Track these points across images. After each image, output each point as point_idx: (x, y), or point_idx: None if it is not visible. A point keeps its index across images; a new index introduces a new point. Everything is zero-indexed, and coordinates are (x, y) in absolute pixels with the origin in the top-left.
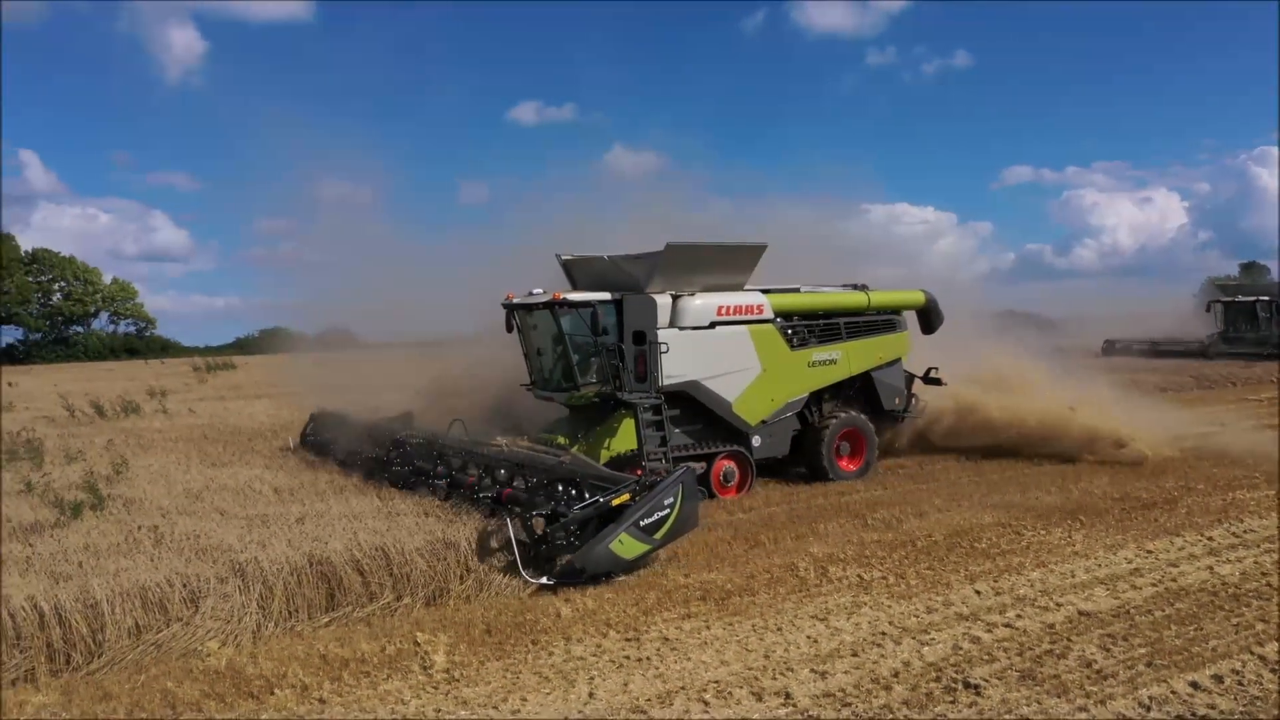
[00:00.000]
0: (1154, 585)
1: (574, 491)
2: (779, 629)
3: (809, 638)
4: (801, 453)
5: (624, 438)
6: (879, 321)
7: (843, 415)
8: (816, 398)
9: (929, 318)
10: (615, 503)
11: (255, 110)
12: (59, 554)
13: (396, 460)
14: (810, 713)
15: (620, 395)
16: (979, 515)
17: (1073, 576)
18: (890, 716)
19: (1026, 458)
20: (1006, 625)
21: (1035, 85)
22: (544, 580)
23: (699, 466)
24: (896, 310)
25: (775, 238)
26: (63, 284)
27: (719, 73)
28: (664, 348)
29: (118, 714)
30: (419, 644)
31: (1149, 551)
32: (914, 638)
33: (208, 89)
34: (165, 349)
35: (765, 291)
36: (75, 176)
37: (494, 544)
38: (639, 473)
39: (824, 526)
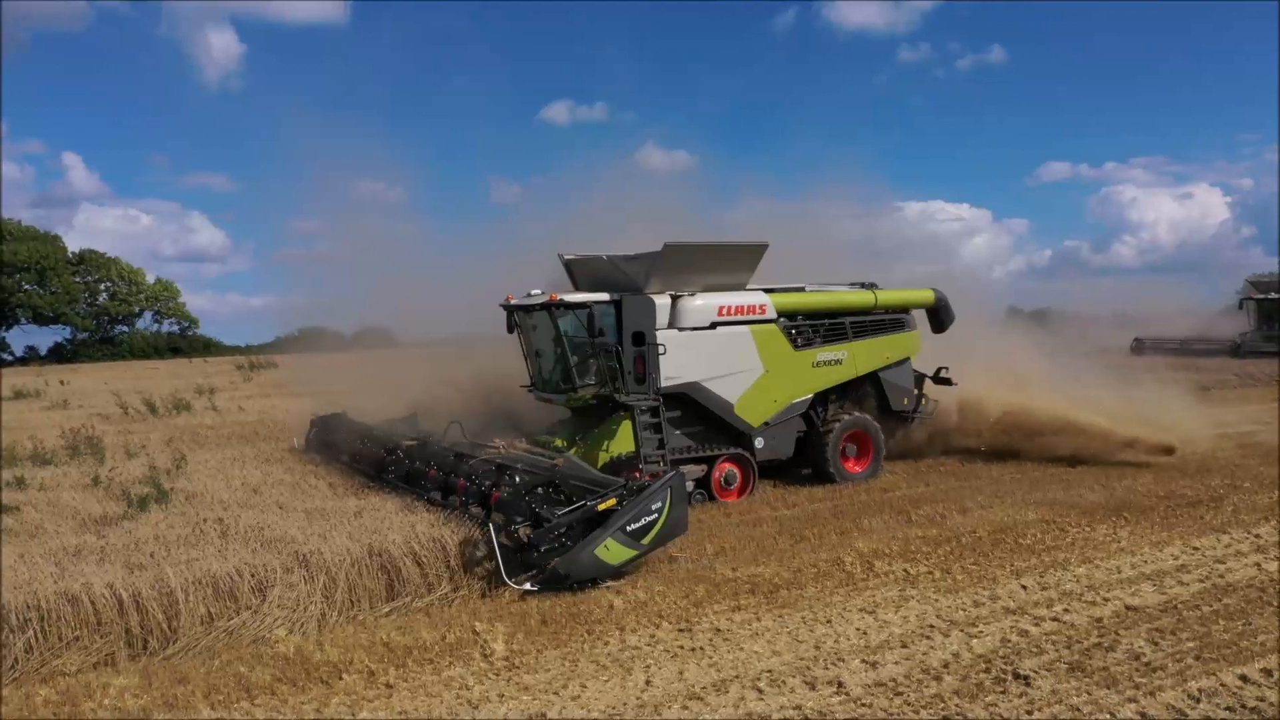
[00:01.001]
0: (1201, 581)
1: (563, 496)
2: (828, 621)
3: (858, 630)
4: (806, 454)
5: (622, 440)
6: (886, 321)
7: (848, 416)
8: (822, 399)
9: (939, 317)
10: (601, 508)
11: (289, 112)
12: (131, 545)
13: (392, 463)
14: (863, 701)
15: (618, 397)
16: (1022, 512)
17: (1119, 572)
18: (942, 706)
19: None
20: (1054, 619)
21: (1072, 80)
22: (527, 586)
23: (699, 469)
24: (905, 309)
25: (807, 235)
26: (108, 284)
27: (750, 71)
28: (662, 349)
29: (195, 697)
30: (477, 633)
31: (1195, 548)
32: (962, 630)
33: (245, 91)
34: (208, 348)
35: (768, 291)
36: (116, 178)
37: (480, 549)
38: (635, 475)
39: (868, 522)
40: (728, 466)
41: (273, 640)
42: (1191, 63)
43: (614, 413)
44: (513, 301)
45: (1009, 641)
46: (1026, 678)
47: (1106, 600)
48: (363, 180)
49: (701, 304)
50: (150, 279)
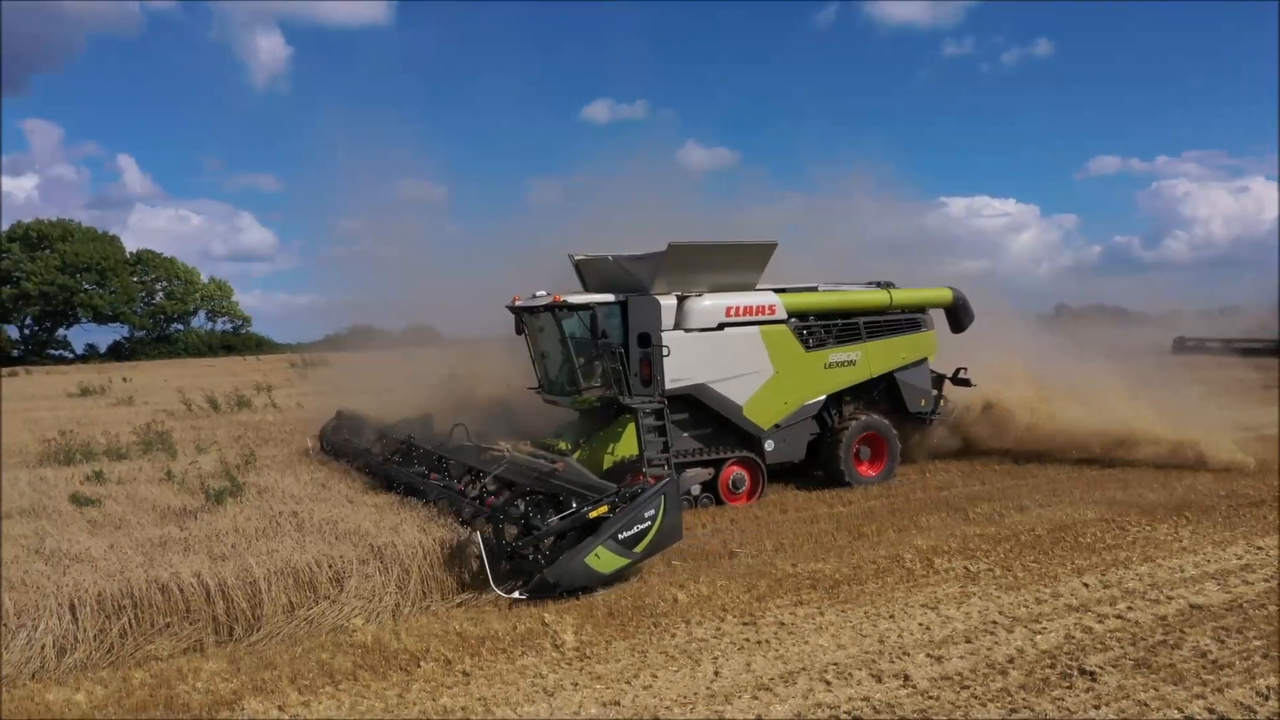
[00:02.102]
0: (1266, 581)
1: (560, 500)
2: (891, 616)
3: (921, 625)
4: (818, 457)
5: (628, 443)
6: (902, 321)
7: (862, 418)
8: (836, 400)
9: (958, 316)
10: (593, 515)
11: (334, 112)
12: (212, 536)
13: (398, 465)
14: (930, 694)
15: (621, 399)
16: (1081, 511)
17: (1181, 571)
18: (1009, 699)
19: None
20: (1118, 616)
21: (1121, 73)
22: (515, 595)
23: (706, 472)
24: (922, 309)
25: (847, 233)
26: (164, 283)
27: (790, 68)
28: (665, 350)
29: (280, 681)
30: (546, 624)
31: (1259, 548)
32: (1025, 627)
33: (291, 92)
34: (260, 346)
35: (779, 291)
36: (168, 179)
37: (472, 554)
38: (639, 479)
39: (925, 520)
40: (736, 469)
41: (350, 629)
42: (1246, 52)
43: (619, 415)
44: (518, 303)
45: (1073, 638)
46: (1092, 673)
47: (1170, 599)
48: (406, 179)
49: (708, 305)
50: (204, 278)
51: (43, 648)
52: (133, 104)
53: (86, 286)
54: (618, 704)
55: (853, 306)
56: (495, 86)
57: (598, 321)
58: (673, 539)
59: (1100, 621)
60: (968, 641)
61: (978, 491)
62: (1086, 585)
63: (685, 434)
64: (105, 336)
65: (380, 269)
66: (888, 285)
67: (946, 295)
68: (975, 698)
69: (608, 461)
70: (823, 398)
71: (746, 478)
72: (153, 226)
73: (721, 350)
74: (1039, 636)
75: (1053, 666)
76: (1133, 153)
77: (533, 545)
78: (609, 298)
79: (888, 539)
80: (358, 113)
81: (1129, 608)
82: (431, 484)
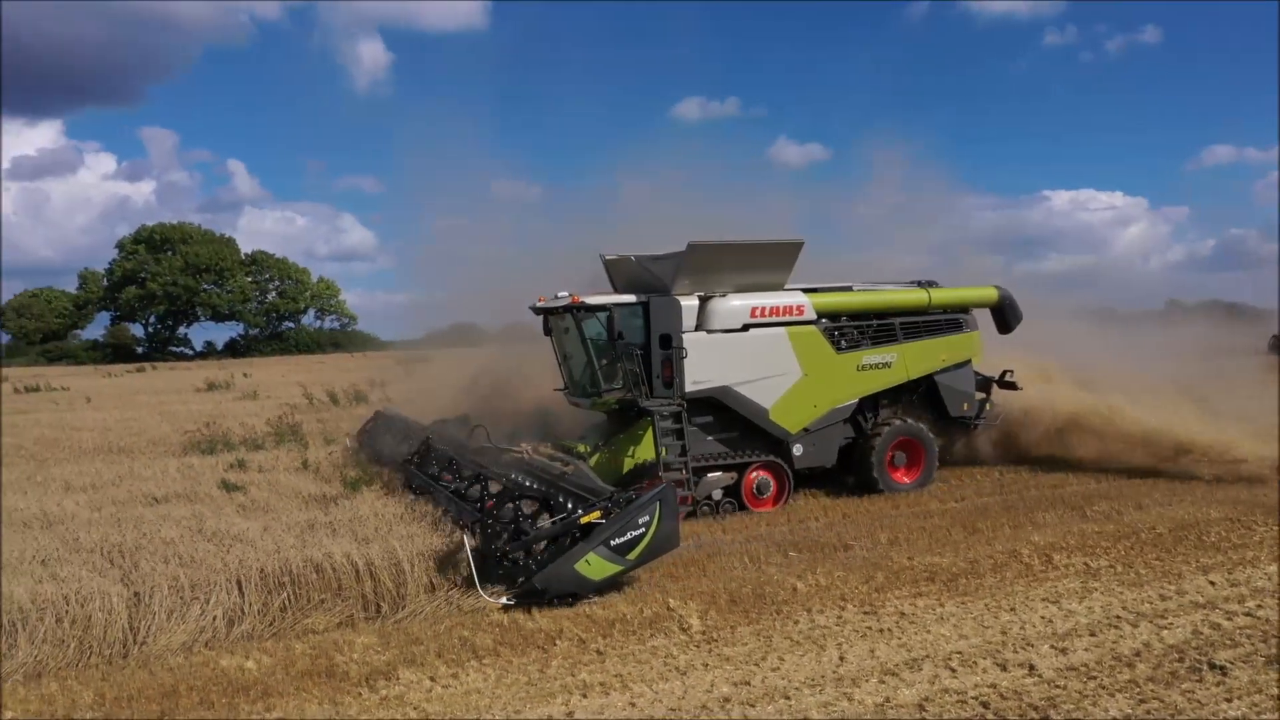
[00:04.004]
0: None
1: (551, 504)
2: (1012, 609)
3: (1043, 618)
4: (851, 463)
5: (647, 446)
6: (942, 321)
7: (896, 423)
8: (872, 404)
9: (1004, 316)
10: (584, 520)
11: (432, 115)
12: (355, 520)
13: (416, 465)
14: (1056, 684)
15: (640, 402)
16: (1204, 510)
17: None
18: (1137, 690)
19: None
20: (1247, 614)
21: (1234, 58)
22: (504, 600)
23: (728, 477)
24: (964, 309)
25: (946, 226)
26: (276, 283)
27: (885, 62)
28: (684, 352)
29: (429, 655)
30: (671, 609)
31: None
32: (1150, 622)
33: (392, 96)
34: (366, 343)
35: (808, 291)
36: (275, 182)
37: (463, 559)
38: (656, 484)
39: (1041, 516)
40: (760, 474)
41: (487, 609)
42: None
43: (640, 418)
44: (541, 304)
45: (1200, 634)
46: (1223, 668)
47: None
48: (500, 179)
49: (732, 305)
50: (312, 278)
51: (214, 619)
52: (242, 111)
53: (206, 286)
54: (748, 684)
55: (888, 307)
56: (585, 85)
57: (614, 323)
58: (668, 547)
59: (1229, 619)
60: (1092, 635)
61: (1094, 489)
62: (1213, 583)
63: (710, 437)
64: (222, 334)
65: (475, 267)
66: (929, 284)
67: (991, 294)
68: (1103, 688)
69: (628, 465)
70: (855, 401)
71: (772, 483)
72: (260, 228)
73: (746, 352)
74: (1165, 631)
75: (1181, 660)
76: (1248, 141)
77: (523, 550)
78: (629, 299)
79: (1003, 535)
80: (454, 115)
81: (1258, 606)
82: (437, 487)
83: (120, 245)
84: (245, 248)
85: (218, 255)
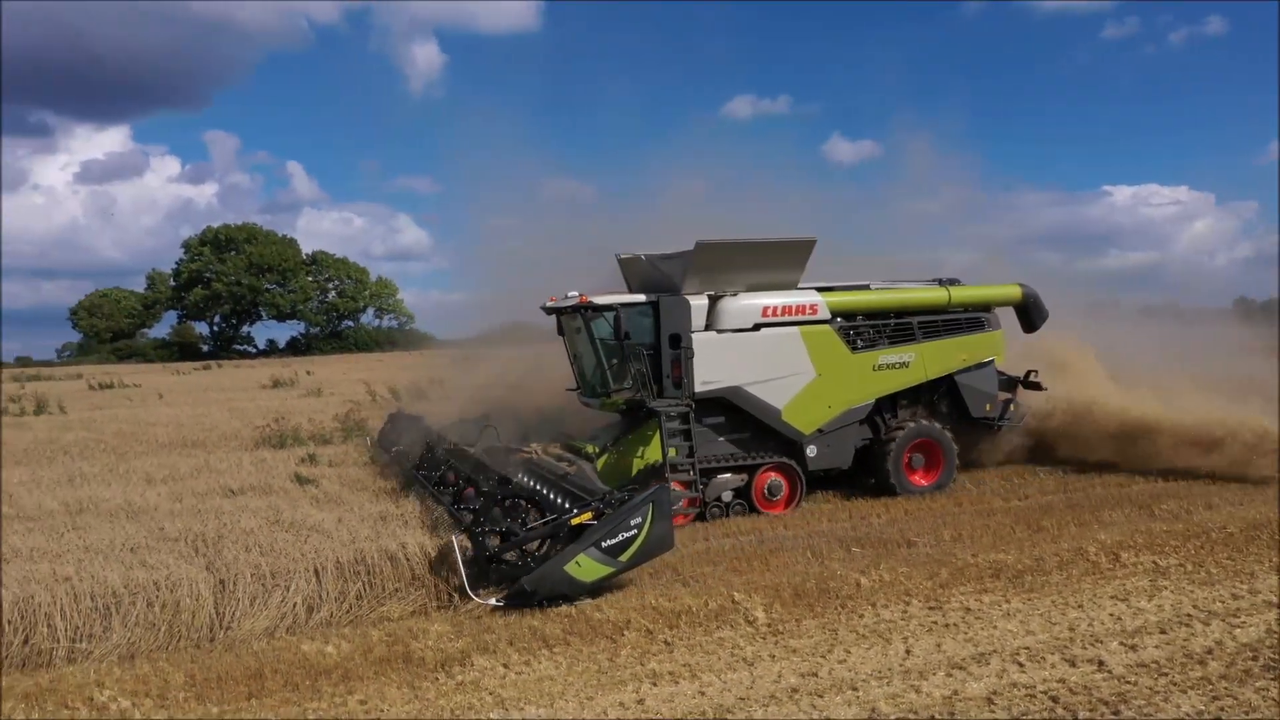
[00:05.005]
0: None
1: (556, 503)
2: (1079, 606)
3: (1112, 615)
4: (867, 464)
5: (656, 447)
6: (963, 320)
7: (913, 424)
8: (891, 404)
9: (1029, 315)
10: (575, 522)
11: (485, 115)
12: (423, 512)
13: (424, 465)
14: (1127, 680)
15: (647, 402)
16: (1276, 510)
17: None
18: (1210, 688)
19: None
20: None
21: None
22: (493, 602)
23: (739, 478)
24: (986, 307)
25: (1005, 223)
26: (336, 282)
27: (940, 58)
28: (691, 352)
29: (501, 643)
30: (736, 602)
31: None
32: (1223, 620)
33: (446, 97)
34: (422, 341)
35: (822, 290)
36: (332, 184)
37: (453, 561)
38: (660, 484)
39: (1108, 515)
40: (772, 476)
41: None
42: None
43: (650, 418)
44: (551, 304)
45: (1275, 632)
46: None
47: None
48: (552, 178)
49: (743, 304)
50: (370, 277)
51: (294, 606)
52: (300, 113)
53: (269, 286)
54: (815, 675)
55: (905, 305)
56: (636, 85)
57: (621, 322)
58: (663, 548)
59: None
60: (1162, 632)
61: (1162, 489)
62: None
63: (721, 438)
64: (283, 333)
65: (526, 266)
66: (950, 282)
67: (1015, 292)
68: (1174, 684)
69: (636, 466)
70: (871, 402)
71: (784, 485)
72: (319, 229)
73: (757, 352)
74: (1238, 630)
75: (1255, 659)
76: None
77: (514, 551)
78: (638, 298)
79: (1069, 533)
80: (506, 115)
81: None
82: (432, 486)
83: (187, 246)
84: (307, 248)
85: (280, 255)
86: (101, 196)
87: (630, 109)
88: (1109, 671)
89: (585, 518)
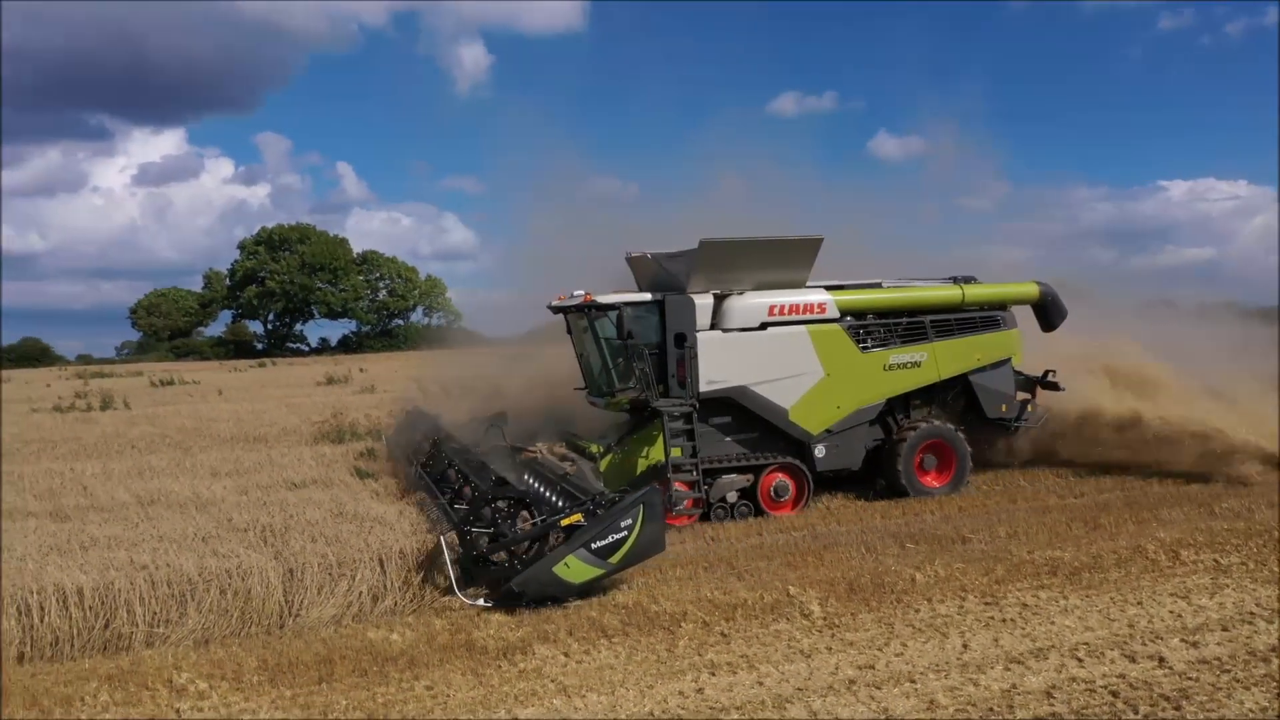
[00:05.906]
0: None
1: (550, 501)
2: (1139, 603)
3: (1171, 612)
4: (878, 465)
5: (661, 447)
6: (977, 319)
7: (925, 425)
8: (904, 404)
9: (1047, 313)
10: (564, 523)
11: (531, 114)
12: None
13: (428, 464)
14: (1188, 676)
15: (651, 402)
16: None
17: None
18: (1274, 685)
19: None
20: None
21: None
22: (480, 602)
23: (744, 480)
24: (1002, 305)
25: (1055, 219)
26: (386, 281)
27: (988, 53)
28: (694, 351)
29: (560, 633)
30: (791, 595)
31: None
32: None
33: (493, 98)
34: (470, 339)
35: (831, 289)
36: (381, 184)
37: (450, 559)
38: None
39: (1166, 513)
40: (779, 477)
41: (612, 593)
42: None
43: (655, 418)
44: (557, 303)
45: None
46: None
47: None
48: (596, 177)
49: (749, 303)
50: (420, 276)
51: (360, 594)
52: (350, 115)
53: (321, 285)
54: (872, 668)
55: (917, 304)
56: (681, 84)
57: (624, 321)
58: (652, 551)
59: None
60: (1224, 630)
61: (1221, 489)
62: None
63: (728, 438)
64: (335, 331)
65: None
66: (966, 280)
67: (1032, 290)
68: (1237, 681)
69: (641, 465)
70: (882, 402)
71: (790, 486)
72: (368, 229)
73: (764, 351)
74: None
75: None
76: None
77: (503, 552)
78: (642, 297)
79: (1127, 530)
80: (552, 114)
81: None
82: (431, 485)
83: (242, 246)
84: (358, 248)
85: (332, 255)
86: (158, 198)
87: (675, 108)
88: (1170, 668)
89: (575, 519)
